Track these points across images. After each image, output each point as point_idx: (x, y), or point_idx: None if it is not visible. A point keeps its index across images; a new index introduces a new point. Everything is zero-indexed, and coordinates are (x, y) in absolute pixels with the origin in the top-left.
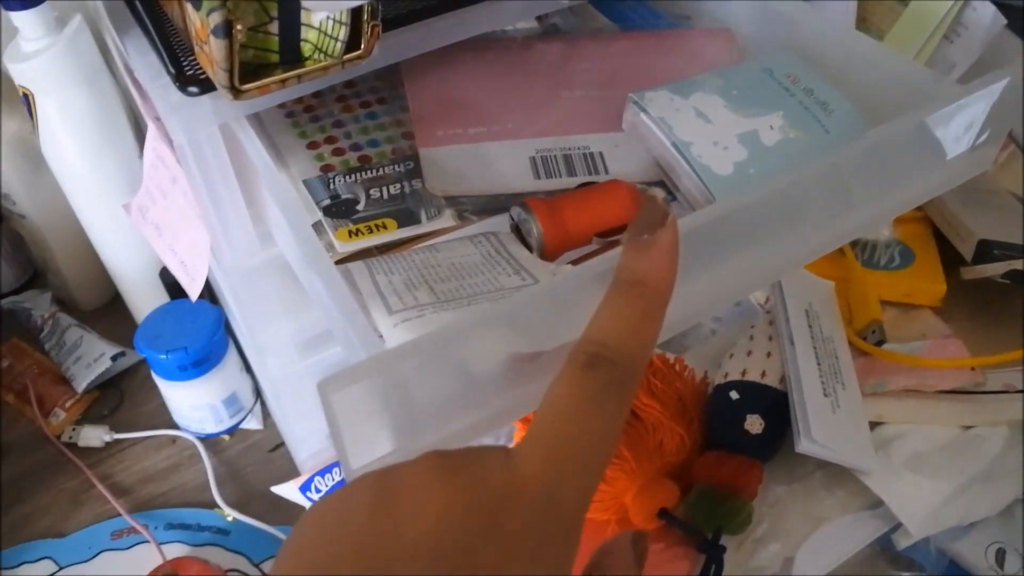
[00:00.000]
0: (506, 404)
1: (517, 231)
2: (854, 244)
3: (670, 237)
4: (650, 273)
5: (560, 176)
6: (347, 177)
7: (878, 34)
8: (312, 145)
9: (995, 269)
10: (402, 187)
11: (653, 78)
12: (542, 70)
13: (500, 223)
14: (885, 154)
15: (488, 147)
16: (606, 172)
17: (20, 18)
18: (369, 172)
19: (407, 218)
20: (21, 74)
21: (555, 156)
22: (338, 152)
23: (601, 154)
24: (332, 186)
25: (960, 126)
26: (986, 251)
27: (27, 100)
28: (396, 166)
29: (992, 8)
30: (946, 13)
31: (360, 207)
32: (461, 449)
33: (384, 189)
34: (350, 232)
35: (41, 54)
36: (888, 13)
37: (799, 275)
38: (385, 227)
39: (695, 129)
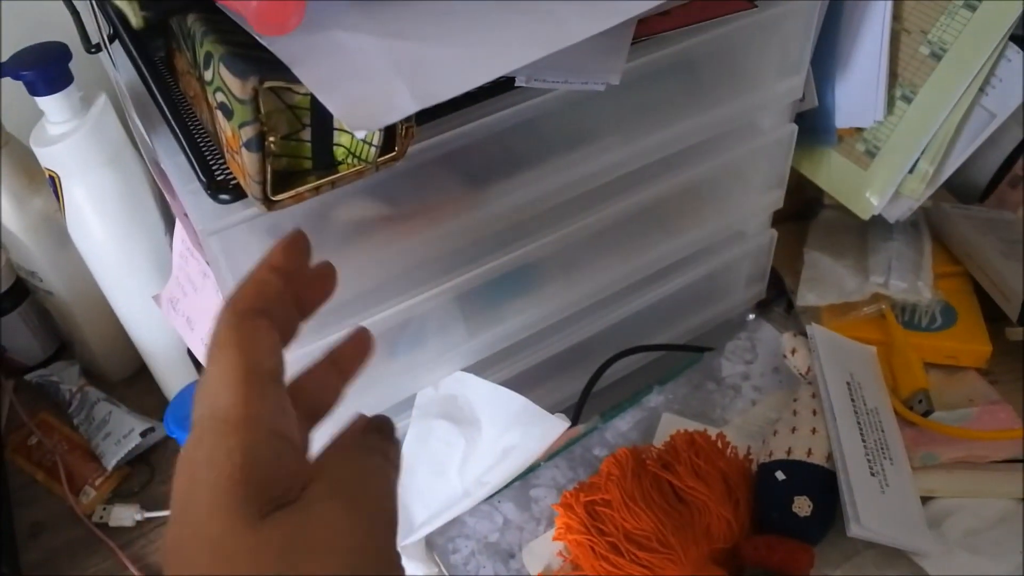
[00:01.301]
0: None
1: None
2: (894, 306)
3: None
4: None
5: None
6: None
7: (911, 89)
8: None
9: None
10: None
11: None
12: None
13: None
14: None
15: None
16: None
17: (46, 102)
18: None
19: None
20: (47, 157)
21: None
22: None
23: None
24: None
25: None
26: None
27: (53, 182)
28: None
29: None
30: (981, 66)
31: None
32: None
33: None
34: None
35: (67, 137)
36: (921, 67)
37: (838, 342)
38: None
39: None
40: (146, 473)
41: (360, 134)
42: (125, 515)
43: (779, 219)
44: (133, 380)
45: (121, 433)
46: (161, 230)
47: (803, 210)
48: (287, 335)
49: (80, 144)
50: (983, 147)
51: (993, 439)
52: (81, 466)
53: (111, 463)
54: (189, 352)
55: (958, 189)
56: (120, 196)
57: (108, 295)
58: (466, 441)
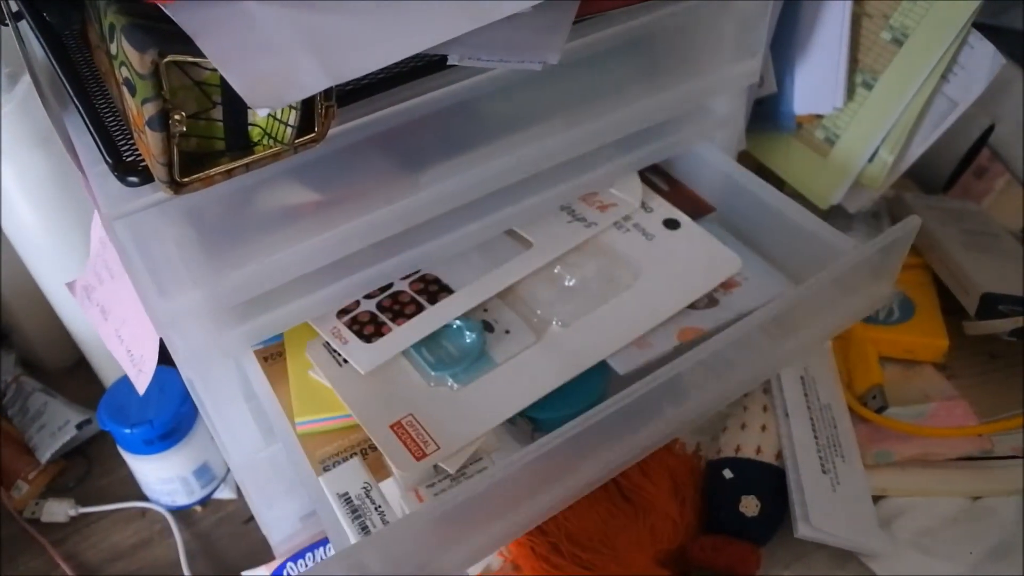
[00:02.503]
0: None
1: None
2: None
3: None
4: None
5: None
6: None
7: (872, 76)
8: None
9: (1001, 326)
10: None
11: None
12: None
13: None
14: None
15: None
16: None
17: None
18: None
19: None
20: None
21: None
22: None
23: None
24: None
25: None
26: (991, 306)
27: None
28: None
29: (991, 48)
30: (943, 53)
31: None
32: None
33: None
34: None
35: None
36: (882, 53)
37: None
38: None
39: None
40: (83, 466)
41: (262, 112)
42: (58, 510)
43: None
44: (73, 370)
45: (56, 425)
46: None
47: None
48: None
49: (6, 124)
50: (947, 136)
51: (948, 436)
52: (14, 459)
53: (45, 456)
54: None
55: (921, 178)
56: (50, 179)
57: (40, 282)
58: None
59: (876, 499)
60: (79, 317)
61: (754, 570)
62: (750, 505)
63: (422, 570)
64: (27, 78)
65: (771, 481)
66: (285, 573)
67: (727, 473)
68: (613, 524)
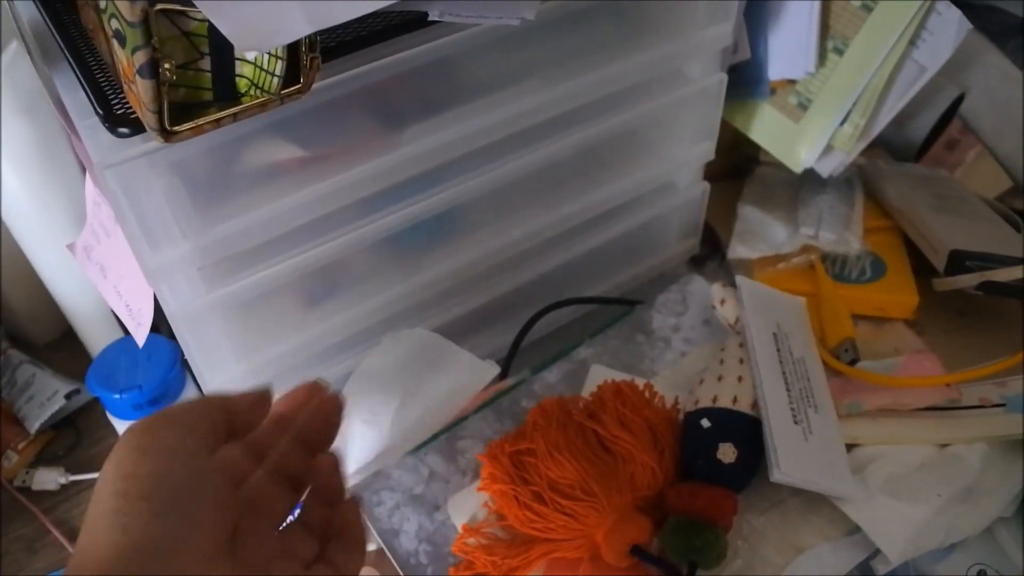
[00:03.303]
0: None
1: None
2: (824, 258)
3: None
4: None
5: None
6: None
7: (843, 41)
8: None
9: (968, 281)
10: None
11: None
12: None
13: None
14: None
15: None
16: None
17: None
18: None
19: None
20: None
21: None
22: None
23: None
24: None
25: None
26: (958, 262)
27: None
28: None
29: (957, 13)
30: (911, 19)
31: None
32: None
33: None
34: None
35: None
36: (852, 19)
37: (766, 294)
38: None
39: None
40: (72, 436)
41: (251, 56)
42: (49, 479)
43: (715, 177)
44: (59, 343)
45: (45, 396)
46: (81, 185)
47: (740, 168)
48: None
49: None
50: (918, 106)
51: (917, 386)
52: (3, 430)
53: (34, 426)
54: (114, 312)
55: (893, 149)
56: (37, 147)
57: (27, 252)
58: (403, 391)
59: (849, 448)
60: (66, 288)
61: (730, 515)
62: (727, 452)
63: None
64: (13, 47)
65: (748, 429)
66: None
67: (705, 422)
68: (593, 473)
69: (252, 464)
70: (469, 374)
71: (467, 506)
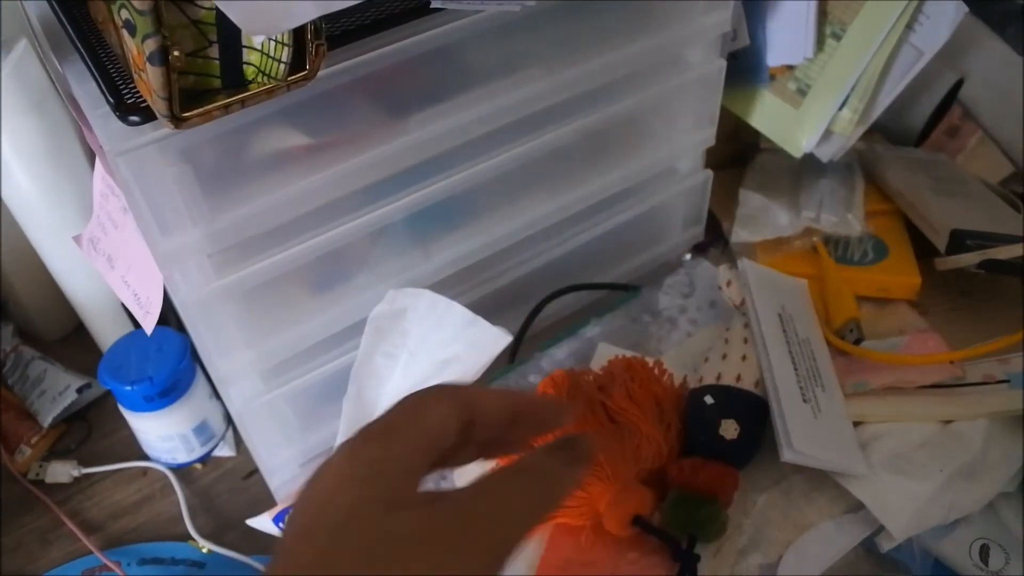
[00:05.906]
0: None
1: None
2: (827, 241)
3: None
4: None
5: None
6: None
7: (841, 26)
8: None
9: (969, 259)
10: None
11: None
12: None
13: None
14: None
15: None
16: None
17: None
18: None
19: None
20: None
21: None
22: None
23: None
24: None
25: None
26: (959, 241)
27: None
28: None
29: None
30: (908, 3)
31: None
32: None
33: None
34: None
35: None
36: (850, 4)
37: (770, 276)
38: None
39: None
40: (83, 430)
41: (257, 43)
42: (62, 471)
43: (717, 165)
44: (69, 339)
45: (57, 390)
46: (89, 179)
47: (741, 155)
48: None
49: (2, 90)
50: (917, 92)
51: (921, 363)
52: (16, 425)
53: (47, 420)
54: (124, 306)
55: (893, 135)
56: (46, 144)
57: (38, 248)
58: (408, 354)
59: (854, 425)
60: (76, 284)
61: (731, 491)
62: (729, 428)
63: None
64: (21, 45)
65: (751, 407)
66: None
67: (708, 399)
68: (600, 443)
69: None
70: (482, 340)
71: (474, 473)
